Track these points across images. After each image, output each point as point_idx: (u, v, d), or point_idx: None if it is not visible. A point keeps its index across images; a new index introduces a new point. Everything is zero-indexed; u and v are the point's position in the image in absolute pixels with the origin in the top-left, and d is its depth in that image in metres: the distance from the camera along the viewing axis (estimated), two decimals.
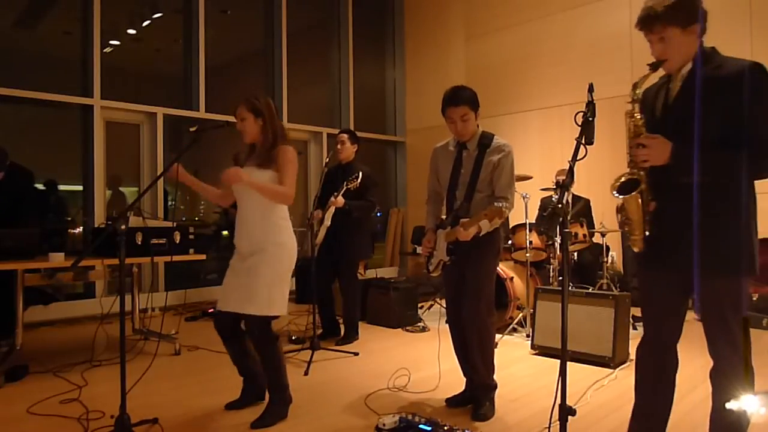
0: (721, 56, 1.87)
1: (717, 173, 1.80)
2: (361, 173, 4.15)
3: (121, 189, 6.27)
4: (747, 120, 1.76)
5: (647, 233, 1.92)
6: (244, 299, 2.67)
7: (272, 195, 2.71)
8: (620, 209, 1.93)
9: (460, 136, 2.86)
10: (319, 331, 4.37)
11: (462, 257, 2.79)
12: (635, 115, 1.91)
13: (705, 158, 1.76)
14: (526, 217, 4.76)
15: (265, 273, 2.66)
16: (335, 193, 4.22)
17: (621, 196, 1.87)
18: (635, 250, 1.96)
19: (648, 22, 1.88)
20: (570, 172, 1.94)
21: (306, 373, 3.54)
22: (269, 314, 2.69)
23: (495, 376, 2.91)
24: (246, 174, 2.65)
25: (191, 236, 4.03)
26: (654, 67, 1.90)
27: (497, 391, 2.93)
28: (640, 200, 1.88)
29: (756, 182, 1.85)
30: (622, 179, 1.88)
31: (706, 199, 1.81)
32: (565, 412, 1.77)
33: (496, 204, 2.56)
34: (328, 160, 4.53)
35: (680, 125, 1.82)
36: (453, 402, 2.97)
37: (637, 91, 1.92)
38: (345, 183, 4.17)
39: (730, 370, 1.85)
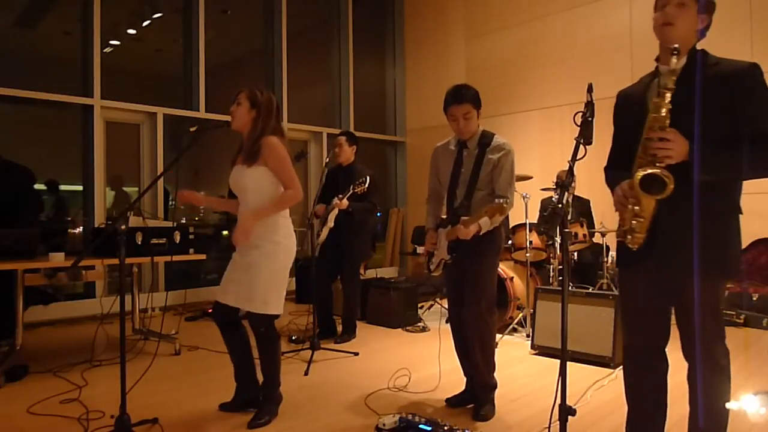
0: (715, 56, 1.86)
1: (728, 172, 1.76)
2: (369, 178, 4.17)
3: (124, 189, 6.28)
4: (749, 118, 1.74)
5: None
6: (242, 296, 2.68)
7: (283, 206, 2.70)
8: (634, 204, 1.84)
9: (461, 134, 2.86)
10: (317, 331, 4.38)
11: (463, 256, 2.79)
12: (662, 107, 1.78)
13: (719, 157, 1.73)
14: (526, 217, 4.76)
15: (262, 271, 2.65)
16: (340, 195, 4.23)
17: (652, 196, 1.77)
18: (632, 247, 1.89)
19: None
20: (570, 172, 1.93)
21: (306, 373, 3.53)
22: (266, 313, 2.67)
23: (495, 376, 2.91)
24: (248, 220, 2.62)
25: (191, 236, 4.03)
26: (677, 51, 1.79)
27: (497, 391, 2.93)
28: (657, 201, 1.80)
29: (756, 182, 1.84)
30: (648, 172, 1.77)
31: (707, 199, 1.78)
32: (565, 412, 1.77)
33: (496, 201, 2.56)
34: (328, 160, 4.54)
35: (677, 122, 1.78)
36: (453, 402, 2.97)
37: (673, 78, 1.77)
38: (352, 186, 4.19)
39: (708, 371, 1.84)
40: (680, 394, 2.77)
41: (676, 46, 1.78)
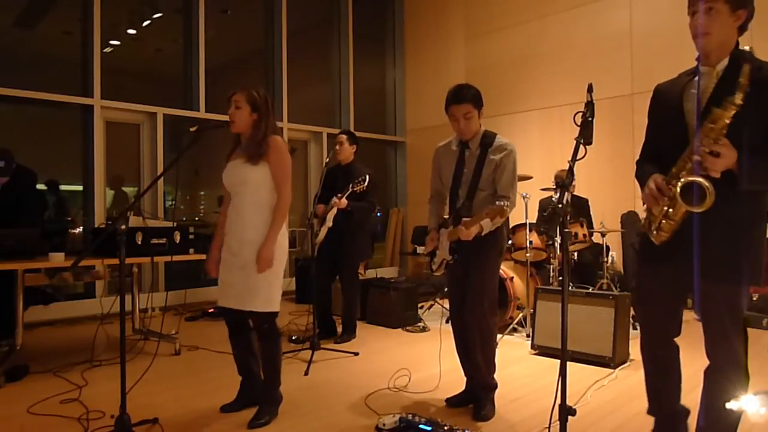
0: (759, 60, 1.81)
1: (764, 181, 1.73)
2: (368, 177, 4.16)
3: (124, 189, 6.28)
4: None
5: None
6: (244, 296, 2.67)
7: (284, 217, 2.71)
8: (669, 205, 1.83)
9: (462, 134, 2.85)
10: (317, 331, 4.38)
11: (465, 256, 2.79)
12: (723, 119, 1.72)
13: (758, 165, 1.70)
14: (526, 217, 4.76)
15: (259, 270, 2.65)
16: (338, 195, 4.23)
17: (689, 208, 1.75)
18: (655, 241, 1.88)
19: None
20: (570, 172, 1.93)
21: (306, 373, 3.53)
22: (269, 310, 2.68)
23: (495, 376, 2.91)
24: (268, 247, 2.62)
25: (191, 236, 4.03)
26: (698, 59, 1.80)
27: (498, 391, 2.92)
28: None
29: None
30: (690, 180, 1.74)
31: (733, 207, 1.77)
32: (565, 412, 1.77)
33: (497, 203, 2.56)
34: (328, 159, 4.54)
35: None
36: (453, 402, 2.97)
37: (741, 95, 1.70)
38: (351, 185, 4.18)
39: (725, 371, 1.86)
40: (685, 391, 2.77)
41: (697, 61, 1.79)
